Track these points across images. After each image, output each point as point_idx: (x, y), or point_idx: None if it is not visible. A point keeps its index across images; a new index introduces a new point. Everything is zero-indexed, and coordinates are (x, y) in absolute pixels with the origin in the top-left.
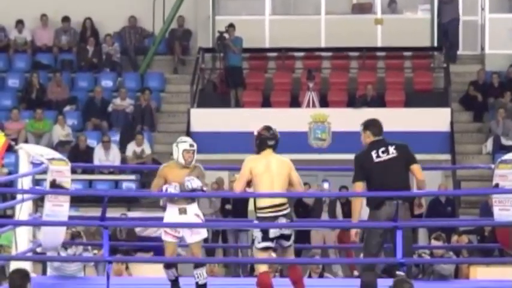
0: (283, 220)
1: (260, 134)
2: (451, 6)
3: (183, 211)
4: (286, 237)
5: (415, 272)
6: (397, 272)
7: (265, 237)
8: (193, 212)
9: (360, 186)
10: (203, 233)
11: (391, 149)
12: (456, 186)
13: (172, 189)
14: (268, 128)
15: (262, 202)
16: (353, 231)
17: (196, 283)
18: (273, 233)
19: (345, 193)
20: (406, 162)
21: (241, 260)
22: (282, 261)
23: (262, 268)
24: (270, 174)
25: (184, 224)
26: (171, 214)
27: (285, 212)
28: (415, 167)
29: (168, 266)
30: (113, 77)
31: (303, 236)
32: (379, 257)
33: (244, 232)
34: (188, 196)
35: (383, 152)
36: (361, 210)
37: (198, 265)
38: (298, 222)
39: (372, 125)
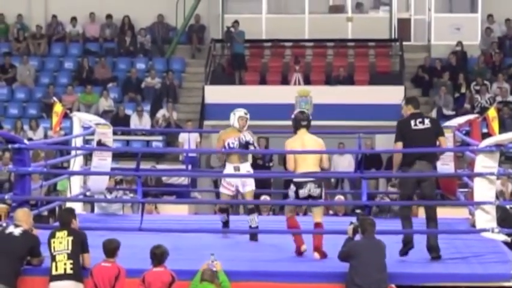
0: (312, 185)
1: (296, 116)
2: None
3: (237, 169)
4: (314, 198)
5: (375, 211)
6: (357, 211)
7: (296, 196)
8: (246, 169)
9: (399, 146)
10: (252, 185)
11: (427, 121)
12: None
13: (232, 140)
14: (302, 112)
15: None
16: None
17: (250, 226)
18: (301, 193)
19: (332, 150)
20: (436, 134)
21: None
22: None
23: (290, 214)
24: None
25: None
26: (227, 171)
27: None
28: (441, 139)
29: (222, 210)
30: (145, 61)
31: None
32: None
33: None
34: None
35: (420, 122)
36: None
37: (251, 211)
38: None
39: (413, 100)
